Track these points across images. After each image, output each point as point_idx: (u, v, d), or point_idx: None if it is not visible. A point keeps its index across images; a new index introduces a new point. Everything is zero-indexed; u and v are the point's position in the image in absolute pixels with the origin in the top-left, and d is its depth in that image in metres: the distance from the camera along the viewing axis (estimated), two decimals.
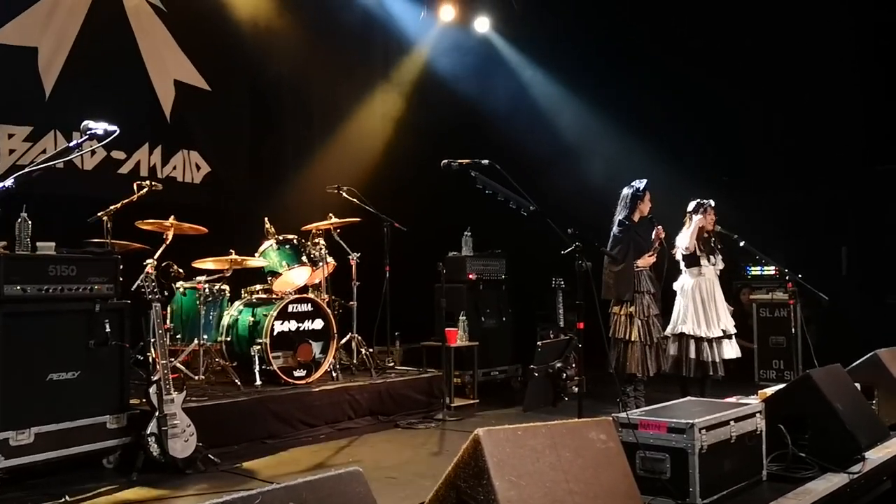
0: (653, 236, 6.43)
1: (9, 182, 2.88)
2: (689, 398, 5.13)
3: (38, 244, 4.72)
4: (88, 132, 3.27)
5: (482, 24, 9.97)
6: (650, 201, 6.50)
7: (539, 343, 7.34)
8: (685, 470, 3.62)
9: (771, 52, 8.64)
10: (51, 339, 4.67)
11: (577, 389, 5.16)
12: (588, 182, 8.56)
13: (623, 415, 3.85)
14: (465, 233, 8.42)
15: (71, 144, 3.24)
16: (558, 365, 7.30)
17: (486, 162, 4.34)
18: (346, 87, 9.12)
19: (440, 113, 9.27)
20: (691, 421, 3.65)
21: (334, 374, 6.64)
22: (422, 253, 7.88)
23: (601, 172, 8.44)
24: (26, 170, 3.07)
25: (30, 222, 4.66)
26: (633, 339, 6.16)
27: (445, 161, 4.37)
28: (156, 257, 5.83)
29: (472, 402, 7.40)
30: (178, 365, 6.00)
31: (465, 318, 7.87)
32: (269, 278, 6.72)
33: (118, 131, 3.23)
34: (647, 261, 6.42)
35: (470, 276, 8.21)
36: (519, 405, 7.21)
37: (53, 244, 4.76)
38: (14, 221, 4.64)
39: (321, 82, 8.84)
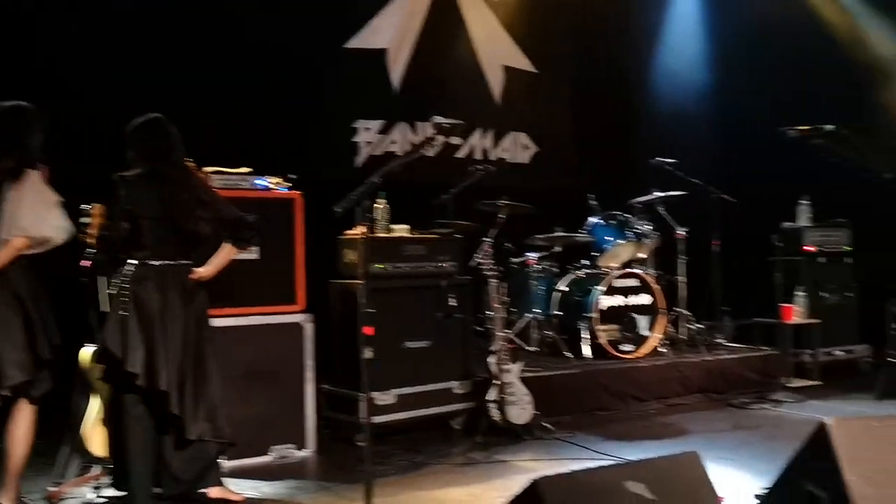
0: None
1: (376, 178, 3.29)
2: None
3: (393, 226, 5.32)
4: (437, 124, 3.62)
5: None
6: None
7: (895, 325, 6.62)
8: None
9: None
10: (405, 311, 5.22)
11: None
12: None
13: None
14: (801, 201, 7.84)
15: (424, 140, 3.62)
16: None
17: (830, 127, 4.04)
18: None
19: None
20: None
21: (662, 350, 6.61)
22: (752, 225, 7.49)
23: None
24: (390, 165, 3.49)
25: (388, 207, 5.27)
26: None
27: (782, 129, 4.14)
28: (491, 236, 6.22)
29: (813, 384, 6.92)
30: (513, 337, 6.38)
31: (803, 293, 7.36)
32: (595, 254, 6.86)
33: (464, 123, 3.52)
34: None
35: (808, 249, 7.64)
36: (868, 391, 6.58)
37: (408, 227, 5.33)
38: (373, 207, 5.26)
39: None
